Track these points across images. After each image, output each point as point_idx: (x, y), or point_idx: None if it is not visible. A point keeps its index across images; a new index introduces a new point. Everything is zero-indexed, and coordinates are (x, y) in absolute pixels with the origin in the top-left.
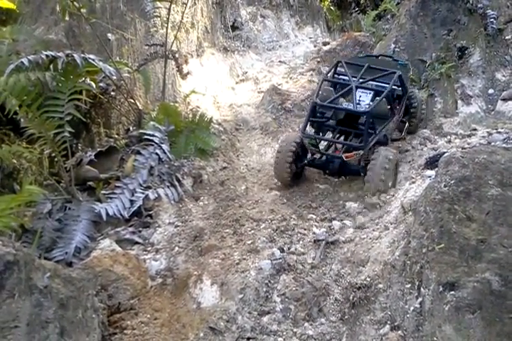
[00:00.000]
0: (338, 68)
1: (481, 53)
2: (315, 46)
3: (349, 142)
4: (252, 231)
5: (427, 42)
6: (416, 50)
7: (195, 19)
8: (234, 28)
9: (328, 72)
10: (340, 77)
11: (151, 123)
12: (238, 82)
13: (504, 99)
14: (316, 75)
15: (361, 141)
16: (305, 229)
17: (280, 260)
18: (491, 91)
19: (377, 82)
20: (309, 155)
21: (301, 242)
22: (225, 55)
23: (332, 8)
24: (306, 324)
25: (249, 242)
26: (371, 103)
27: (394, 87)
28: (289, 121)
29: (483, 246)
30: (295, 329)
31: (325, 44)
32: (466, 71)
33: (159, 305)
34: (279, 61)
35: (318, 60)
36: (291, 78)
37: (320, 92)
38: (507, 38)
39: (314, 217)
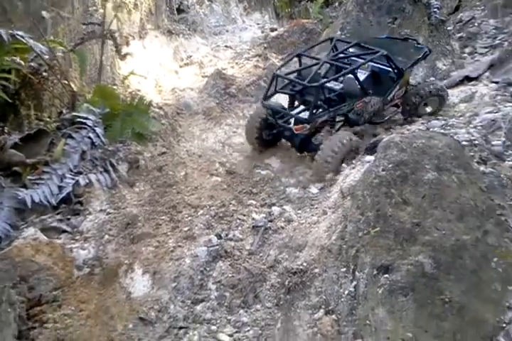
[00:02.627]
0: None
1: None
2: (262, 32)
3: (296, 115)
4: (190, 218)
5: (373, 30)
6: (362, 38)
7: (138, 0)
8: (180, 10)
9: (309, 48)
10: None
11: (85, 105)
12: (182, 66)
13: None
14: (263, 61)
15: (312, 114)
16: (244, 215)
17: (217, 246)
18: (431, 79)
19: (375, 63)
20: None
21: (239, 228)
22: (169, 38)
23: None
24: (241, 311)
25: (186, 229)
26: (359, 83)
27: (389, 69)
28: (233, 106)
29: (418, 229)
30: (229, 317)
31: (272, 30)
32: None
33: (85, 296)
34: (226, 46)
35: (265, 45)
36: (236, 63)
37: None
38: (449, 28)
39: (254, 202)
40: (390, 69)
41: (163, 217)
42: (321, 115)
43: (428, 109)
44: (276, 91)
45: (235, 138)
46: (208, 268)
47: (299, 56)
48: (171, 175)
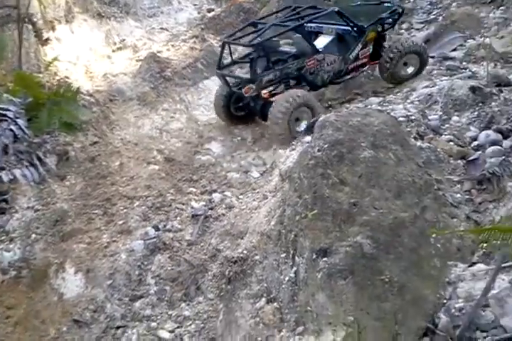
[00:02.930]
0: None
1: None
2: (199, 13)
3: (239, 75)
4: (125, 210)
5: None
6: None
7: None
8: None
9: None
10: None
11: (5, 95)
12: (115, 50)
13: None
14: (200, 42)
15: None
16: (183, 204)
17: (155, 239)
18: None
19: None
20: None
21: (178, 218)
22: (99, 21)
23: None
24: (182, 304)
25: (121, 222)
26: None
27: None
28: (169, 90)
29: (356, 209)
30: (170, 312)
31: (209, 11)
32: None
33: (13, 301)
34: (161, 28)
35: (202, 26)
36: (172, 46)
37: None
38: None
39: (194, 190)
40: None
41: (96, 211)
42: (266, 74)
43: (409, 70)
44: (234, 62)
45: (173, 124)
46: (145, 263)
47: (253, 24)
48: (104, 166)
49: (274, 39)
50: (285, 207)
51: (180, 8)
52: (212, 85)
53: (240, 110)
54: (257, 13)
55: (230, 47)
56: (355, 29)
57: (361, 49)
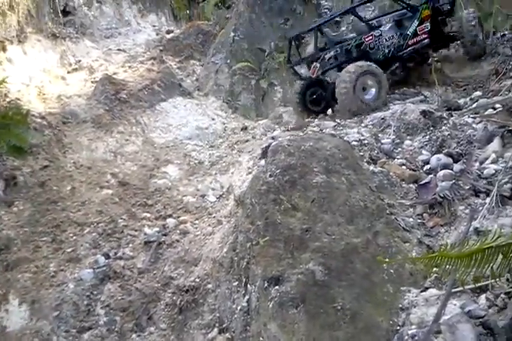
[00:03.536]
0: None
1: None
2: (157, 34)
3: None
4: (75, 238)
5: (266, 31)
6: (255, 39)
7: (14, 1)
8: (66, 12)
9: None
10: None
11: None
12: (70, 72)
13: None
14: (158, 64)
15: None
16: (136, 230)
17: (104, 267)
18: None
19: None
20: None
21: (130, 245)
22: (54, 42)
23: None
24: (133, 335)
25: (70, 250)
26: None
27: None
28: (125, 112)
29: (308, 235)
30: None
31: (168, 32)
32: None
33: None
34: (118, 49)
35: (161, 48)
36: (130, 67)
37: None
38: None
39: (149, 215)
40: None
41: (44, 238)
42: (327, 51)
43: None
44: (302, 59)
45: (129, 147)
46: (94, 292)
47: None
48: (55, 191)
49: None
50: (238, 234)
51: (138, 30)
52: (170, 107)
53: (317, 105)
54: (216, 35)
55: (296, 44)
56: (409, 9)
57: (418, 25)
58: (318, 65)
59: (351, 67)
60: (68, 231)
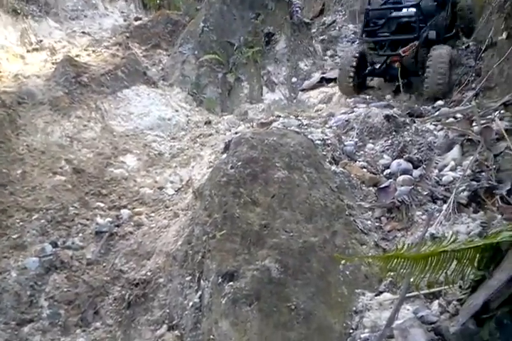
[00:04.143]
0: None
1: (287, 41)
2: (125, 20)
3: (403, 36)
4: (22, 224)
5: (236, 25)
6: (225, 32)
7: None
8: None
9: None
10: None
11: None
12: (30, 51)
13: (303, 90)
14: (123, 50)
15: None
16: (88, 220)
17: (51, 256)
18: (294, 79)
19: None
20: (369, 67)
21: (80, 235)
22: (15, 18)
23: None
24: (78, 330)
25: (15, 236)
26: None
27: None
28: (85, 96)
29: (266, 231)
30: (63, 338)
31: (136, 19)
32: (273, 58)
33: None
34: (83, 32)
35: (127, 35)
36: (93, 51)
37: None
38: (313, 31)
39: (102, 205)
40: None
41: None
42: (422, 31)
43: None
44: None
45: (86, 133)
46: (39, 282)
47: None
48: (4, 174)
49: None
50: (194, 226)
51: (105, 14)
52: (132, 95)
53: (361, 77)
54: (185, 25)
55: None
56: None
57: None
58: (416, 43)
59: (445, 48)
60: (15, 216)
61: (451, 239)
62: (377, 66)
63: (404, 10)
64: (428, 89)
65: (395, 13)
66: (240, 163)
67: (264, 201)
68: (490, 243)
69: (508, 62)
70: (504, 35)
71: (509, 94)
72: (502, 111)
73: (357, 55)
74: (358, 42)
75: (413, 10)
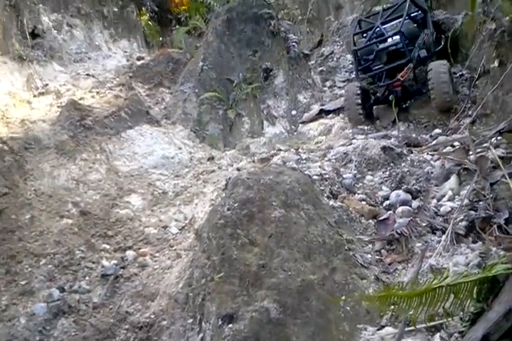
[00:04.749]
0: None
1: (285, 75)
2: (128, 60)
3: (396, 64)
4: (30, 269)
5: (234, 62)
6: (224, 69)
7: None
8: (34, 35)
9: (353, 29)
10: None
11: None
12: (36, 95)
13: (303, 122)
14: (126, 90)
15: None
16: (93, 263)
17: (59, 301)
18: (293, 112)
19: (397, 17)
20: (372, 97)
21: (87, 278)
22: (21, 64)
23: (151, 23)
24: None
25: (24, 283)
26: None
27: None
28: (89, 139)
29: (264, 271)
30: None
31: (139, 59)
32: (272, 92)
33: None
34: (87, 74)
35: (131, 74)
36: (97, 93)
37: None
38: (312, 62)
39: (108, 247)
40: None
41: None
42: (413, 52)
43: None
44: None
45: (92, 175)
46: (47, 327)
47: (359, 21)
48: (13, 220)
49: None
50: (194, 269)
51: (108, 55)
52: (136, 135)
53: (367, 107)
54: (186, 63)
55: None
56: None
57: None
58: (411, 66)
59: (444, 64)
60: (24, 262)
61: (444, 275)
62: (380, 94)
63: (389, 40)
64: (436, 99)
65: (381, 45)
66: (236, 205)
67: (262, 241)
68: (485, 276)
69: (501, 89)
70: (496, 63)
71: (504, 122)
72: (498, 138)
73: (358, 91)
74: (355, 80)
75: (397, 37)
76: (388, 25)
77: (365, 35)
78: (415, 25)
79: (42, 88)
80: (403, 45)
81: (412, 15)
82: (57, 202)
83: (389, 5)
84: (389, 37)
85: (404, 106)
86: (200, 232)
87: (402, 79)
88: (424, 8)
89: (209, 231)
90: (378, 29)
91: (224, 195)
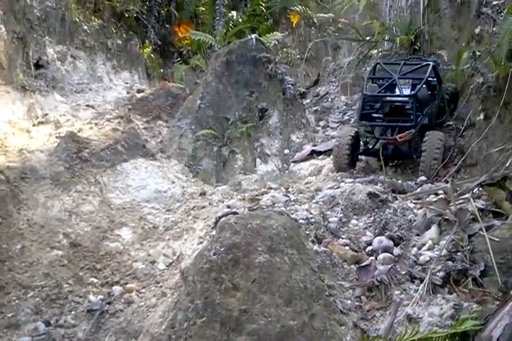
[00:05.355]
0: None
1: (279, 115)
2: (128, 93)
3: (401, 123)
4: (17, 301)
5: (231, 102)
6: (221, 108)
7: None
8: (38, 66)
9: (369, 72)
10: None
11: None
12: (36, 125)
13: (295, 161)
14: (124, 123)
15: (411, 122)
16: (80, 297)
17: (44, 336)
18: (286, 151)
19: (415, 76)
20: (362, 146)
21: (73, 312)
22: (23, 94)
23: (153, 55)
24: None
25: (10, 315)
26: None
27: (430, 78)
28: (85, 171)
29: (246, 316)
30: None
31: (139, 91)
32: (266, 131)
33: None
34: (87, 105)
35: (130, 107)
36: (96, 124)
37: (367, 88)
38: (307, 101)
39: (96, 280)
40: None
41: None
42: (419, 120)
43: None
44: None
45: (85, 207)
46: None
47: (376, 65)
48: (4, 249)
49: None
50: (177, 311)
51: (109, 87)
52: (131, 168)
53: (355, 156)
54: (185, 98)
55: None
56: (436, 79)
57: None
58: (413, 131)
59: (440, 134)
60: (12, 294)
61: (416, 330)
62: (371, 146)
63: (398, 92)
64: (423, 170)
65: (389, 97)
66: (222, 249)
67: (245, 286)
68: (455, 332)
69: (486, 141)
70: (482, 116)
71: (485, 175)
72: (480, 189)
73: (351, 137)
74: (354, 124)
75: (407, 95)
76: (402, 80)
77: (378, 81)
78: (429, 92)
79: (42, 117)
80: (413, 109)
81: (430, 81)
82: (48, 233)
83: (411, 61)
84: (400, 93)
85: (390, 164)
86: (186, 275)
87: (399, 140)
88: (441, 79)
89: (194, 274)
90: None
91: (211, 239)
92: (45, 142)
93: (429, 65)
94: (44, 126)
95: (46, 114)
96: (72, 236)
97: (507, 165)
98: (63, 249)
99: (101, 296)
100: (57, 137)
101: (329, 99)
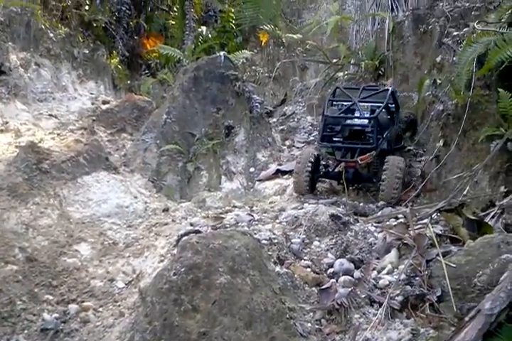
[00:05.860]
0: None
1: (246, 133)
2: (93, 104)
3: (361, 146)
4: None
5: (198, 118)
6: (187, 124)
7: None
8: (0, 72)
9: (329, 95)
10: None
11: None
12: None
13: (260, 180)
14: (87, 134)
15: (371, 144)
16: (34, 315)
17: None
18: (252, 169)
19: (373, 101)
20: (323, 169)
21: (25, 331)
22: None
23: (120, 66)
24: None
25: None
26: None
27: (389, 103)
28: (44, 183)
29: (205, 339)
30: None
31: (104, 103)
32: (232, 149)
33: None
34: (50, 114)
35: (94, 118)
36: (58, 135)
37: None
38: (274, 120)
39: (51, 298)
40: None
41: None
42: (380, 142)
43: None
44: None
45: (43, 220)
46: None
47: (336, 88)
48: None
49: None
50: (135, 333)
51: (74, 97)
52: (92, 182)
53: (315, 179)
54: (151, 112)
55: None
56: (395, 106)
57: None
58: (374, 153)
59: (399, 158)
60: None
61: None
62: (331, 169)
63: (356, 119)
64: (383, 197)
65: (349, 121)
66: (183, 270)
67: (205, 307)
68: None
69: (445, 168)
70: (441, 143)
71: (443, 201)
72: (438, 214)
73: (312, 159)
74: (316, 146)
75: (365, 120)
76: (361, 104)
77: (338, 105)
78: (388, 117)
79: (1, 125)
80: (374, 132)
81: (389, 106)
82: (3, 246)
83: (370, 86)
84: (360, 116)
85: (351, 188)
86: (144, 295)
87: (360, 162)
88: (399, 105)
89: (153, 295)
90: (353, 105)
91: (172, 258)
92: (4, 151)
93: (388, 90)
94: (3, 134)
95: (6, 122)
96: (28, 250)
97: (464, 192)
98: (18, 264)
99: (56, 314)
100: (16, 147)
101: (295, 119)
